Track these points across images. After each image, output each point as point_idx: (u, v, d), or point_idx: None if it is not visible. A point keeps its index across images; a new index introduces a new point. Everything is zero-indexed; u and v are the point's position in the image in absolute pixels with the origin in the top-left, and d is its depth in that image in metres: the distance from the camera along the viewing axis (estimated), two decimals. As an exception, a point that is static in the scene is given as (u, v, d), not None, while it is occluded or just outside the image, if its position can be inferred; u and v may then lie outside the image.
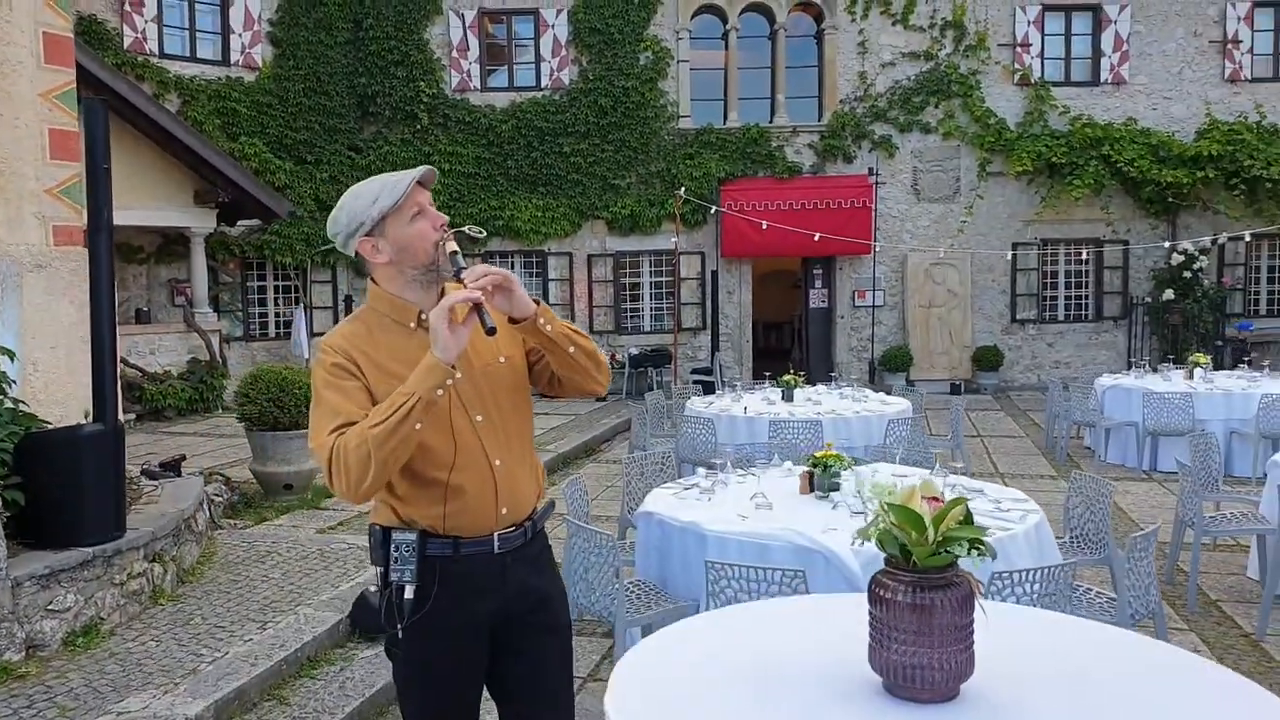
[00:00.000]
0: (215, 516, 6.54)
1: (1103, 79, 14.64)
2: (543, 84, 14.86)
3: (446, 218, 2.10)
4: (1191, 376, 9.35)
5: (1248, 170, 13.79)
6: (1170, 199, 14.22)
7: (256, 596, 4.85)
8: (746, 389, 8.83)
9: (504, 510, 2.13)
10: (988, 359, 14.80)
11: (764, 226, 13.69)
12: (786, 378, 8.29)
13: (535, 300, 2.07)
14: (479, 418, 2.12)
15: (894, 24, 14.74)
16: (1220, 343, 14.25)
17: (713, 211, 14.19)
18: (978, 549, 1.72)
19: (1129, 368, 13.75)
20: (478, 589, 2.14)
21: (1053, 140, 14.28)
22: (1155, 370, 10.06)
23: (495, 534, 2.13)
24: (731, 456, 5.30)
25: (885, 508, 1.79)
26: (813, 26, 15.12)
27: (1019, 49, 14.61)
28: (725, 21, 14.92)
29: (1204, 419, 8.54)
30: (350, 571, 5.28)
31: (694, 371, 14.17)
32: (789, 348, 18.88)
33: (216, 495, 6.97)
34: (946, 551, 1.72)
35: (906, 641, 1.74)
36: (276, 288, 14.60)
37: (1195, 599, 5.32)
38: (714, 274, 15.04)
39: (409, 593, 2.09)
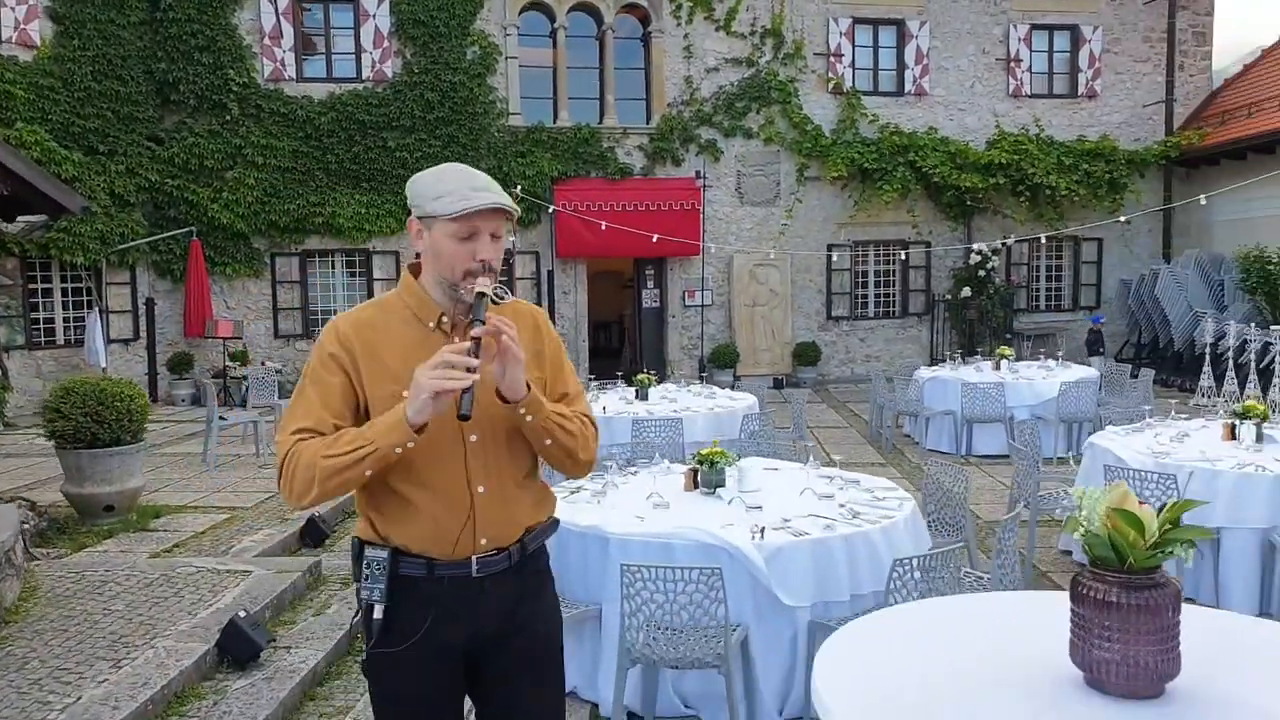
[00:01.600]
0: (28, 545, 5.86)
1: (907, 90, 15.69)
2: (364, 75, 14.27)
3: (496, 259, 1.99)
4: (999, 367, 10.20)
5: (1031, 178, 15.19)
6: (967, 203, 15.44)
7: (101, 632, 4.38)
8: (600, 389, 8.84)
9: (483, 540, 2.02)
10: (807, 354, 15.54)
11: (603, 227, 13.77)
12: (641, 377, 8.38)
13: (528, 385, 1.97)
14: (474, 437, 2.01)
15: (717, 30, 15.18)
16: (1010, 335, 15.62)
17: (550, 210, 14.11)
18: (1189, 548, 1.79)
19: (932, 360, 14.89)
20: (452, 613, 2.03)
21: (864, 147, 15.16)
22: (965, 362, 10.89)
23: (474, 557, 2.02)
24: (618, 458, 5.30)
25: (1107, 511, 1.81)
26: (639, 29, 15.33)
27: (832, 59, 15.42)
28: (553, 20, 14.87)
29: (1013, 406, 9.34)
30: (206, 597, 4.86)
31: (529, 372, 14.02)
32: (618, 347, 19.04)
33: (24, 522, 6.24)
34: (1162, 552, 1.80)
35: (1113, 639, 1.81)
36: (65, 290, 13.24)
37: (1030, 572, 5.80)
38: (550, 274, 14.97)
39: (378, 613, 2.00)
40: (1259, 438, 5.56)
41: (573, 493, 4.70)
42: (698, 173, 15.11)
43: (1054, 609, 2.21)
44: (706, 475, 4.69)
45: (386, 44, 14.25)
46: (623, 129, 15.00)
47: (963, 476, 5.11)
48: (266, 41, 13.99)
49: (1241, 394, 11.48)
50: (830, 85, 15.42)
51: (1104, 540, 1.81)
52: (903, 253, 15.84)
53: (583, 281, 15.36)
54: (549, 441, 2.02)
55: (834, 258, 15.76)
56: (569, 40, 15.01)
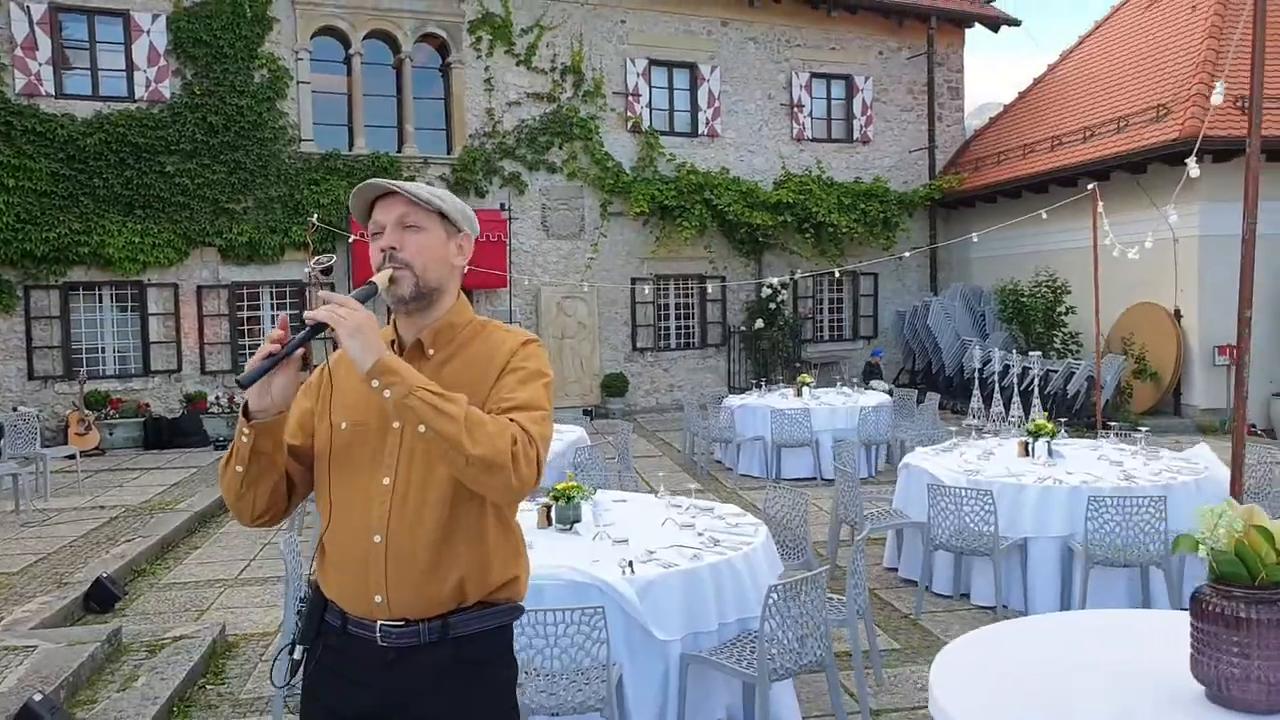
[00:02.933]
0: None
1: (700, 131, 16.34)
2: (137, 95, 13.12)
3: (406, 248, 1.89)
4: (801, 394, 10.73)
5: (815, 216, 16.20)
6: (759, 239, 16.23)
7: None
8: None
9: (377, 598, 1.82)
10: (615, 385, 15.72)
11: (405, 258, 13.27)
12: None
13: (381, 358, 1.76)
14: (385, 480, 1.84)
15: (518, 64, 15.20)
16: (799, 364, 16.50)
17: (352, 240, 13.51)
18: None
19: (730, 388, 15.47)
20: (357, 678, 1.86)
21: (664, 185, 15.62)
22: (769, 390, 11.37)
23: (378, 622, 1.83)
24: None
25: (1237, 528, 1.85)
26: (438, 59, 15.08)
27: (631, 98, 15.82)
28: (348, 46, 14.34)
29: (818, 430, 9.83)
30: (-14, 683, 4.19)
31: (328, 411, 13.29)
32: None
33: None
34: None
35: (1243, 654, 1.83)
36: None
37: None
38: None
39: (296, 653, 1.90)
40: (1050, 453, 6.14)
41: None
42: (503, 205, 14.99)
43: (1154, 624, 2.44)
44: (562, 511, 4.59)
45: (163, 62, 13.19)
46: (423, 159, 14.66)
47: (802, 500, 5.30)
48: (19, 53, 12.57)
49: (1007, 414, 12.69)
50: (629, 124, 15.81)
51: (1231, 556, 1.86)
52: (701, 287, 16.41)
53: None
54: (423, 429, 1.69)
55: (638, 291, 16.07)
56: (365, 67, 14.52)
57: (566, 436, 8.12)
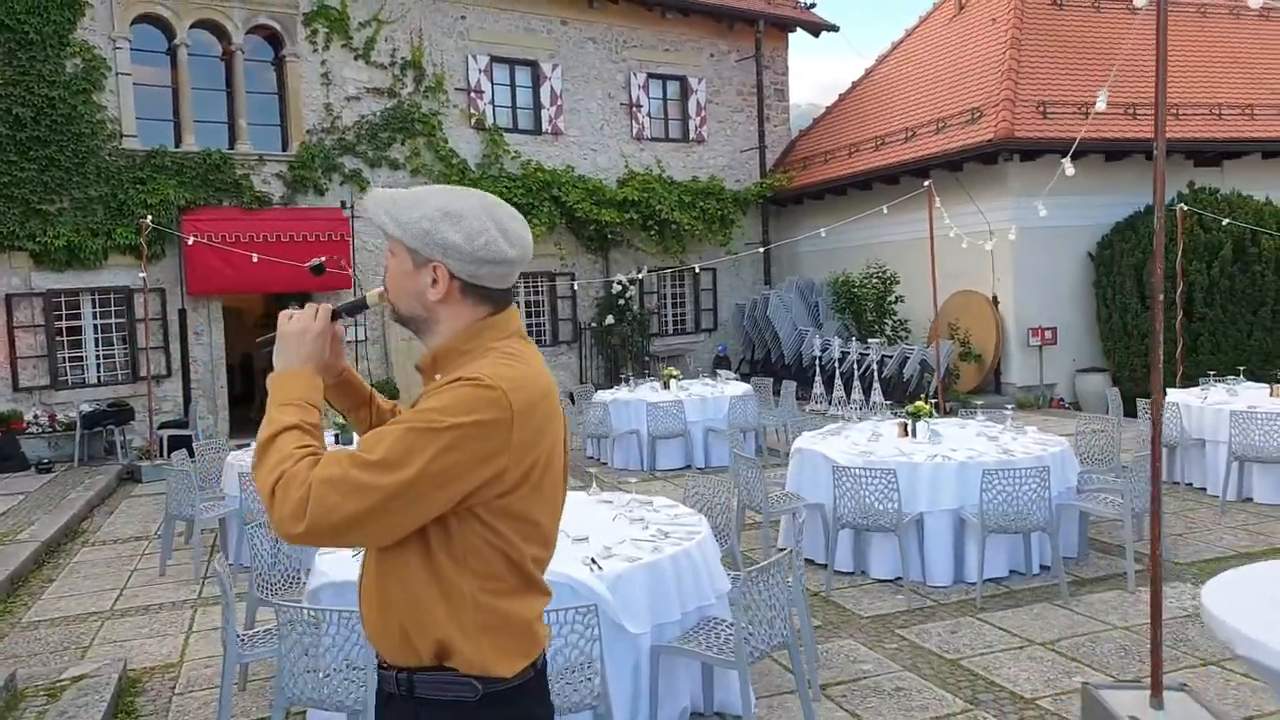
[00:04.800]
0: None
1: (544, 129, 16.34)
2: (-77, 83, 11.73)
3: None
4: (669, 386, 11.00)
5: (658, 214, 16.57)
6: (607, 237, 16.43)
7: None
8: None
9: (365, 630, 1.78)
10: (467, 387, 15.46)
11: (254, 259, 12.53)
12: (341, 422, 7.83)
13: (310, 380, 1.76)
14: None
15: (356, 58, 14.67)
16: (648, 358, 16.86)
17: (190, 242, 12.61)
18: None
19: (580, 383, 15.59)
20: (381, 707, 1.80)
21: (511, 182, 15.52)
22: (636, 383, 11.57)
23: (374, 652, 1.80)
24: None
25: None
26: (271, 52, 14.32)
27: (474, 94, 15.61)
28: (172, 36, 13.36)
29: (692, 421, 10.14)
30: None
31: (163, 426, 12.41)
32: (250, 394, 17.42)
33: None
34: None
35: None
36: None
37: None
38: (181, 313, 13.35)
39: None
40: (931, 433, 6.64)
41: (355, 555, 4.32)
42: (344, 203, 14.44)
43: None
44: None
45: (-46, 47, 11.84)
46: (258, 155, 13.89)
47: (723, 487, 5.50)
48: None
49: (848, 398, 13.50)
50: (473, 120, 15.60)
51: None
52: (551, 284, 16.43)
53: (218, 320, 13.91)
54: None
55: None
56: (192, 59, 13.59)
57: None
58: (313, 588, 4.11)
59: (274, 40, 14.24)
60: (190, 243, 12.57)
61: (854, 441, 6.71)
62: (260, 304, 16.41)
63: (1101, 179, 14.10)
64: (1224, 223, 12.63)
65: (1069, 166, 7.73)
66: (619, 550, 4.15)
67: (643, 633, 3.96)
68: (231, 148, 13.77)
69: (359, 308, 1.88)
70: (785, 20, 18.54)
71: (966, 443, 6.52)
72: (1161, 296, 3.69)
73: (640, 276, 16.19)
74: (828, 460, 6.36)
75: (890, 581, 6.12)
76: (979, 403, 11.15)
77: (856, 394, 13.41)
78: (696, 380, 11.79)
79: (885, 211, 13.70)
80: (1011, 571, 6.18)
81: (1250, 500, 7.92)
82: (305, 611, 3.57)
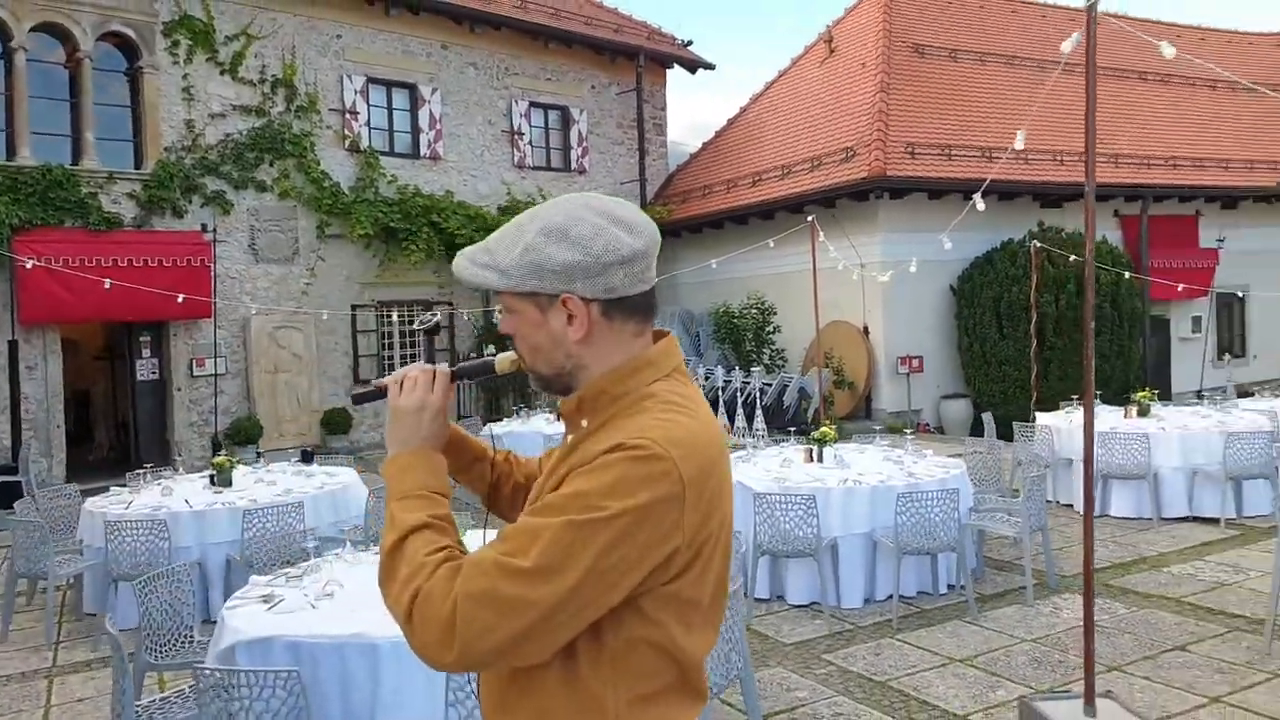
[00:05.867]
0: None
1: (423, 153, 15.97)
2: None
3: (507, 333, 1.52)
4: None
5: (540, 243, 16.40)
6: (486, 265, 16.11)
7: None
8: (161, 478, 7.49)
9: None
10: (336, 422, 14.81)
11: (107, 285, 11.59)
12: (219, 460, 7.30)
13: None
14: None
15: (222, 73, 13.94)
16: (530, 390, 16.59)
17: (28, 266, 11.54)
18: None
19: (459, 418, 15.20)
20: None
21: (387, 207, 15.05)
22: (529, 414, 11.34)
23: None
24: (311, 544, 4.60)
25: None
26: (125, 63, 13.43)
27: (348, 116, 15.10)
28: (8, 38, 12.34)
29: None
30: None
31: (-5, 467, 11.27)
32: (93, 430, 16.08)
33: None
34: None
35: None
36: None
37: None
38: (12, 344, 12.20)
39: None
40: (837, 458, 6.75)
41: (265, 601, 3.97)
42: (204, 226, 13.63)
43: None
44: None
45: None
46: (108, 173, 12.95)
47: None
48: None
49: (732, 425, 13.66)
50: (347, 143, 15.08)
51: None
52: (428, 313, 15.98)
53: (55, 352, 12.81)
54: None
55: (360, 319, 15.30)
56: (31, 65, 12.57)
57: (337, 479, 7.53)
58: (224, 647, 3.70)
59: (128, 49, 13.37)
60: (29, 266, 11.54)
61: (765, 468, 6.74)
62: (101, 334, 15.22)
63: (960, 217, 14.89)
64: (1070, 259, 13.55)
65: (979, 203, 8.15)
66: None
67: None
68: (75, 163, 12.78)
69: (482, 373, 1.62)
70: (664, 56, 18.86)
71: (873, 467, 6.65)
72: (1093, 324, 3.86)
73: (435, 320, 15.84)
74: (745, 488, 6.35)
75: (806, 606, 6.14)
76: (851, 428, 11.51)
77: (740, 421, 13.59)
78: (490, 425, 11.70)
79: (772, 245, 14.03)
80: (919, 592, 6.31)
81: (1109, 515, 8.41)
82: (240, 675, 3.18)
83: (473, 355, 16.19)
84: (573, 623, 1.27)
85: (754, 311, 15.51)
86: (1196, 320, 16.90)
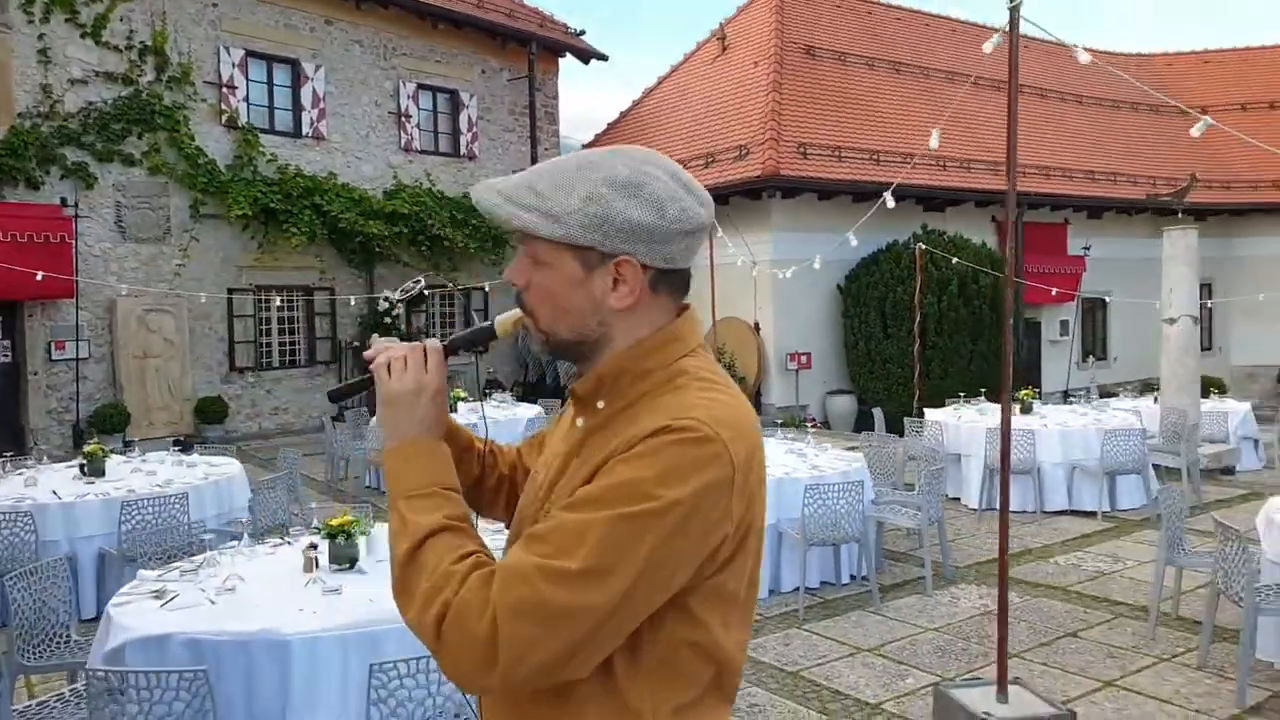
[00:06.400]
0: None
1: (305, 133, 15.27)
2: None
3: (520, 279, 1.33)
4: (455, 409, 10.53)
5: (430, 229, 15.98)
6: (374, 250, 15.58)
7: None
8: (23, 467, 6.90)
9: None
10: (212, 410, 14.04)
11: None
12: (91, 448, 6.78)
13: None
14: None
15: (84, 36, 12.97)
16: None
17: None
18: None
19: (339, 409, 14.64)
20: None
21: (267, 187, 14.33)
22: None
23: None
24: (208, 535, 4.28)
25: None
26: (-26, 19, 12.33)
27: (225, 90, 14.30)
28: None
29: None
30: None
31: None
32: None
33: None
34: None
35: None
36: None
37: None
38: None
39: None
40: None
41: (158, 595, 3.68)
42: (64, 200, 12.67)
43: None
44: (341, 549, 4.09)
45: None
46: (-47, 139, 11.88)
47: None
48: None
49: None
50: (224, 118, 14.28)
51: None
52: (309, 299, 15.33)
53: None
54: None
55: (237, 303, 14.53)
56: None
57: (220, 470, 7.11)
58: (112, 646, 3.40)
59: (-21, 6, 12.29)
60: None
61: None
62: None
63: (849, 218, 15.22)
64: (954, 261, 14.08)
65: (890, 200, 8.32)
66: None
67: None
68: (-81, 127, 11.69)
69: (481, 340, 1.43)
70: (557, 44, 18.62)
71: (776, 459, 6.69)
72: (1011, 322, 3.95)
73: (416, 291, 15.43)
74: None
75: (714, 600, 6.13)
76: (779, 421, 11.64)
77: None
78: (489, 401, 11.39)
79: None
80: (823, 582, 6.39)
81: (995, 509, 8.74)
82: (137, 676, 2.91)
83: (453, 329, 15.53)
84: (623, 629, 1.14)
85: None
86: (1064, 324, 17.85)
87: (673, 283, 1.29)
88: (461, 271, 16.86)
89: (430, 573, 1.16)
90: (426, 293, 15.58)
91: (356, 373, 15.52)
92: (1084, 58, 4.07)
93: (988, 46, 3.90)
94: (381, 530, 4.52)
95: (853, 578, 6.48)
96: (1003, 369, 3.94)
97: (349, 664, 3.27)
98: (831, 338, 15.42)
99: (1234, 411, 10.44)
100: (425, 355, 1.35)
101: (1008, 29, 3.63)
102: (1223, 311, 19.13)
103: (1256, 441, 10.55)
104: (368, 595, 3.64)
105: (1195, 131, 4.20)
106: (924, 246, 13.75)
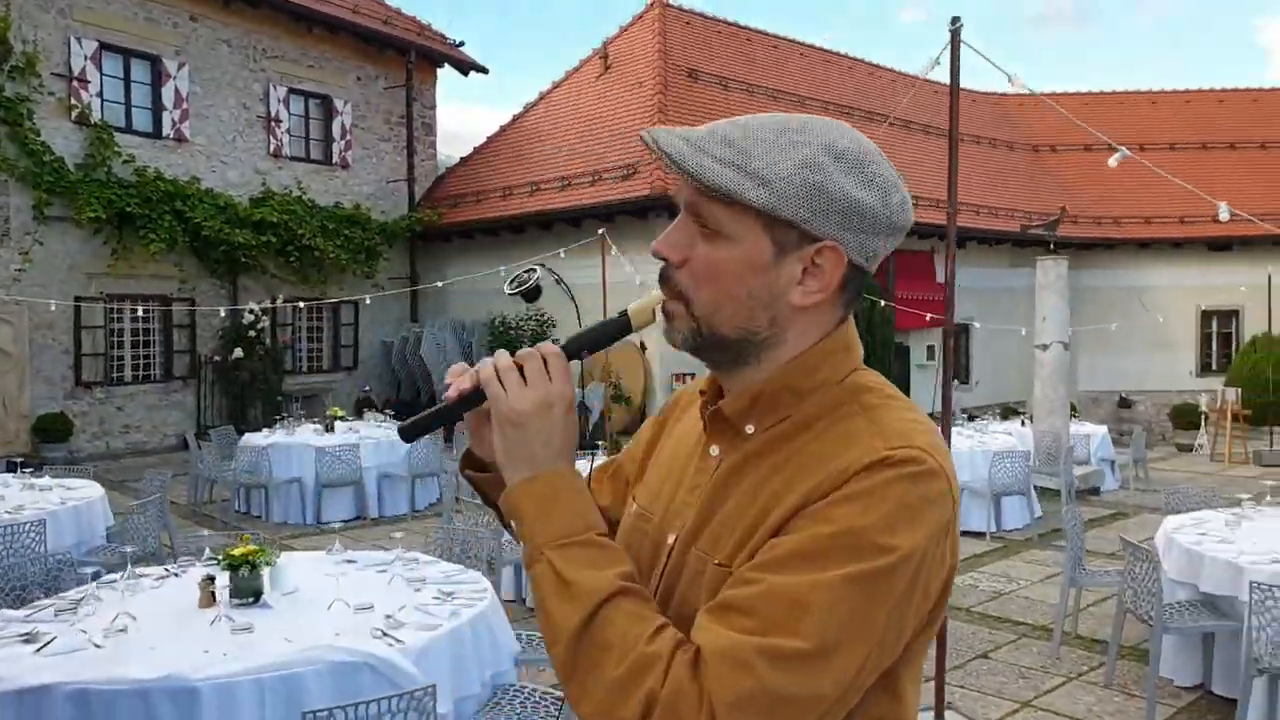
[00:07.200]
0: None
1: (165, 134, 14.30)
2: None
3: (673, 251, 1.10)
4: (333, 429, 9.97)
5: (300, 239, 15.22)
6: (241, 260, 14.70)
7: None
8: None
9: None
10: (53, 428, 12.86)
11: None
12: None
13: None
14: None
15: (-87, 16, 11.76)
16: (281, 398, 15.28)
17: None
18: None
19: (200, 429, 13.74)
20: None
21: (123, 189, 13.30)
22: (293, 425, 10.32)
23: None
24: (89, 569, 3.77)
25: None
26: None
27: (76, 83, 13.22)
28: None
29: (367, 466, 9.25)
30: None
31: None
32: None
33: None
34: None
35: None
36: None
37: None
38: None
39: None
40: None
41: (30, 641, 3.22)
42: (-116, 196, 11.39)
43: None
44: (244, 582, 3.69)
45: None
46: None
47: (492, 537, 4.98)
48: None
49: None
50: (75, 114, 13.19)
51: None
52: (166, 310, 14.30)
53: None
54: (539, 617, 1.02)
55: (85, 313, 13.39)
56: None
57: (79, 493, 6.47)
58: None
59: None
60: None
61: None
62: None
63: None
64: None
65: None
66: (408, 618, 3.51)
67: (446, 712, 3.36)
68: None
69: (613, 336, 1.14)
70: (436, 54, 18.19)
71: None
72: (951, 346, 3.96)
73: (273, 307, 14.61)
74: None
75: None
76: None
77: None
78: (364, 421, 10.85)
79: (563, 255, 13.78)
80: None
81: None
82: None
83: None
84: (841, 714, 0.94)
85: (532, 323, 15.22)
86: (930, 349, 18.59)
87: (857, 287, 1.09)
88: (332, 284, 16.13)
89: (621, 655, 0.93)
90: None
91: (218, 391, 14.73)
92: (1014, 83, 4.16)
93: (928, 72, 3.91)
94: (289, 560, 4.14)
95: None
96: (944, 398, 3.94)
97: (268, 711, 2.93)
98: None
99: (1094, 434, 11.03)
100: (545, 362, 1.09)
101: (949, 49, 3.65)
102: (1071, 340, 20.39)
103: (1113, 463, 11.18)
104: (282, 633, 3.29)
105: (1112, 162, 4.37)
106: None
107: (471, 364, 1.14)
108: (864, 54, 22.08)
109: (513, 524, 1.07)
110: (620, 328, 1.14)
